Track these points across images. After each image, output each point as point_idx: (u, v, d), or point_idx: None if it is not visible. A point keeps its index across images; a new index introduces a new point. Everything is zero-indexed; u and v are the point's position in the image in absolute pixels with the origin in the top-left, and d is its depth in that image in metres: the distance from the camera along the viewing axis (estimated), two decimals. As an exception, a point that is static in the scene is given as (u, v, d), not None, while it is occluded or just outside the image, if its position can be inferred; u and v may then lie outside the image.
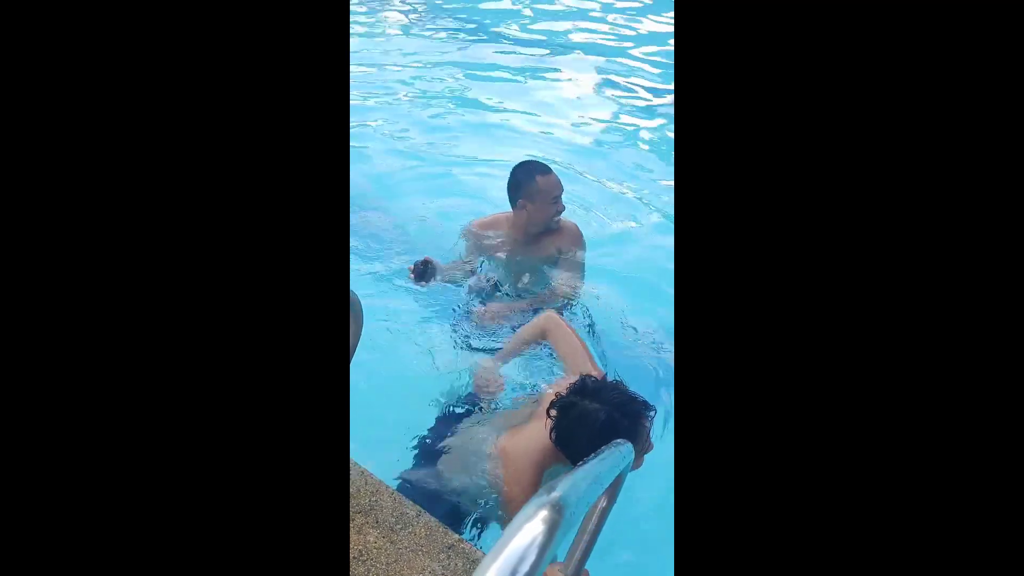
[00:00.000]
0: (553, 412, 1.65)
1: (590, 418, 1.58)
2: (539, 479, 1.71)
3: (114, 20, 0.71)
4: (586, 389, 1.64)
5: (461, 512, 1.84)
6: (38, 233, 0.68)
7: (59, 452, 0.67)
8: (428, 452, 2.00)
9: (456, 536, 1.55)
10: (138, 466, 0.68)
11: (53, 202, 0.69)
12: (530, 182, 2.53)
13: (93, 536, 0.66)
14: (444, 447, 1.96)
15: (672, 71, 5.02)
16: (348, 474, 1.60)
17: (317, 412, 0.73)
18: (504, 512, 1.78)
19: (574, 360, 2.05)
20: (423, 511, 1.59)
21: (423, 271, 2.55)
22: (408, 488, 1.87)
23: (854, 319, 0.67)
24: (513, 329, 2.45)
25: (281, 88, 0.75)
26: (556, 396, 1.67)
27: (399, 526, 1.54)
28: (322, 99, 0.76)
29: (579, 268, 2.70)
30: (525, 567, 0.54)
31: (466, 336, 2.57)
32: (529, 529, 0.58)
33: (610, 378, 1.84)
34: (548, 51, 5.59)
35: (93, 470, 0.67)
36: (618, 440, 1.24)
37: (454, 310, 2.70)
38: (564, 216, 2.66)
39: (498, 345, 2.42)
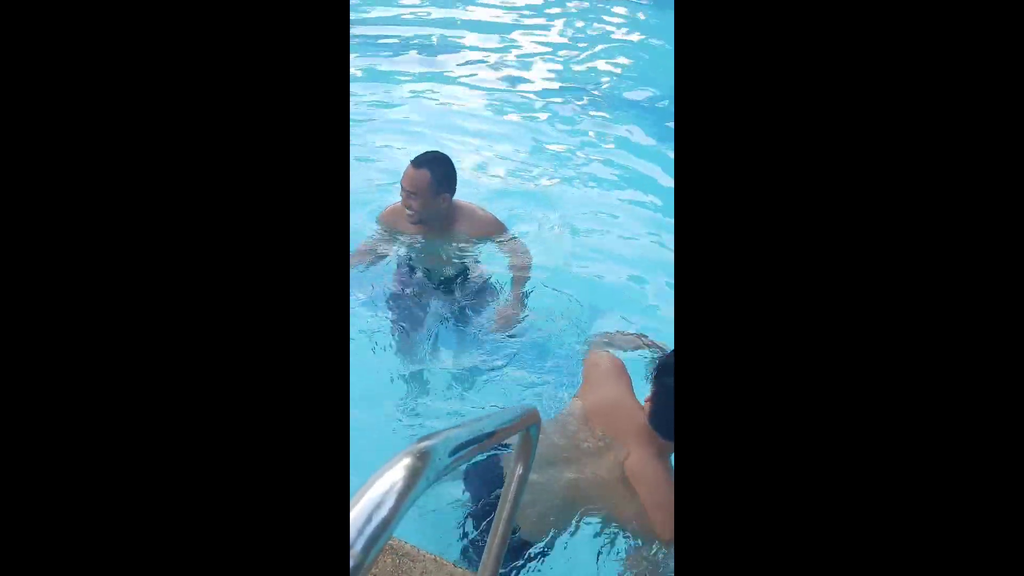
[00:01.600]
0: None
1: None
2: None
3: (116, 35, 0.67)
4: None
5: None
6: (36, 233, 0.64)
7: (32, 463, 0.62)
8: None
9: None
10: (134, 457, 0.63)
11: (52, 202, 0.65)
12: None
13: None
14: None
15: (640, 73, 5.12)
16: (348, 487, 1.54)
17: (315, 423, 0.67)
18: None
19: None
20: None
21: None
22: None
23: (855, 318, 0.65)
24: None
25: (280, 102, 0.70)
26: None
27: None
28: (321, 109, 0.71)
29: (513, 250, 2.63)
30: (383, 512, 0.51)
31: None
32: (389, 476, 0.55)
33: None
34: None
35: (75, 496, 0.62)
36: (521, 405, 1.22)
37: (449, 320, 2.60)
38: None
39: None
